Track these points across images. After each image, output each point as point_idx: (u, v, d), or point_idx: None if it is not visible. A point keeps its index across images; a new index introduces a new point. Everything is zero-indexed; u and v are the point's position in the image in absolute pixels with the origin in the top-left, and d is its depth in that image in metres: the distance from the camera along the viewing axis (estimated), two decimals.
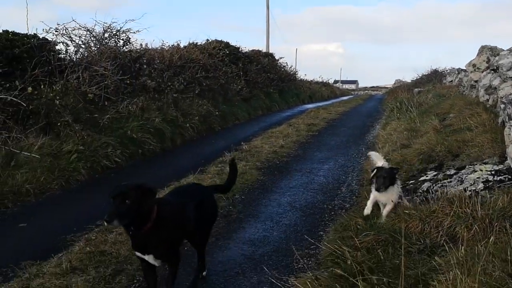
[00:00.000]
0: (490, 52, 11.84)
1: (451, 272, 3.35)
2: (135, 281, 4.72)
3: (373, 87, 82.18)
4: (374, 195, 5.60)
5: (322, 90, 42.72)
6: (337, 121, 17.42)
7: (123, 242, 5.51)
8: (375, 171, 5.63)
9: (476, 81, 12.09)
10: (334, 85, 60.61)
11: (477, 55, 12.43)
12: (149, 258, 3.74)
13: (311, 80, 43.13)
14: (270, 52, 32.57)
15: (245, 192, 7.78)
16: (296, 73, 34.17)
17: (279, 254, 5.37)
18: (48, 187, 7.84)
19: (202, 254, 4.65)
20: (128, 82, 12.10)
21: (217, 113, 15.47)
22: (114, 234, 5.77)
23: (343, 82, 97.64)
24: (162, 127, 11.76)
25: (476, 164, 6.45)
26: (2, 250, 5.52)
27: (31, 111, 9.31)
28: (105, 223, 3.47)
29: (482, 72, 11.84)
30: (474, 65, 12.20)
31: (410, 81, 42.66)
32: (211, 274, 4.89)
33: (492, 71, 9.53)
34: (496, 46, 11.99)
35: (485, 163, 6.42)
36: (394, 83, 60.41)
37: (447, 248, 4.25)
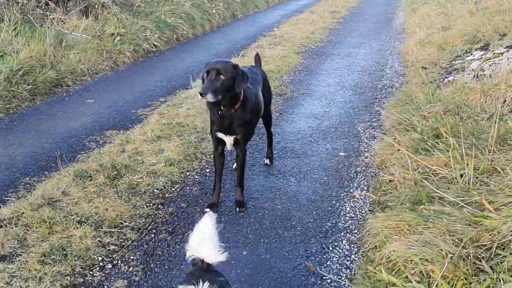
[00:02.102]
0: None
1: None
2: None
3: None
4: None
5: None
6: (358, 9, 17.20)
7: (195, 115, 5.85)
8: None
9: None
10: None
11: None
12: (229, 140, 3.81)
13: None
14: None
15: (291, 74, 8.02)
16: None
17: (344, 126, 5.74)
18: (99, 68, 8.06)
19: (271, 134, 4.80)
20: None
21: (237, 0, 15.26)
22: (183, 108, 6.09)
23: None
24: (192, 12, 11.71)
25: None
26: (83, 121, 5.86)
27: None
28: (199, 96, 3.48)
29: None
30: None
31: None
32: (287, 142, 5.28)
33: None
34: None
35: None
36: None
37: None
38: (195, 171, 4.62)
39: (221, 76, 3.49)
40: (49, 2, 8.72)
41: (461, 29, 8.24)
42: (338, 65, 8.55)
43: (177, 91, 7.01)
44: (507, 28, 7.37)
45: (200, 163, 4.76)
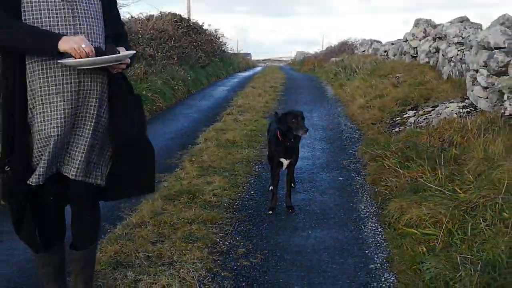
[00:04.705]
0: (426, 24, 14.76)
1: (477, 149, 5.85)
2: (250, 177, 6.88)
3: (265, 60, 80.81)
4: None
5: (241, 61, 45.08)
6: (289, 85, 19.84)
7: (217, 160, 7.54)
8: None
9: (415, 47, 15.00)
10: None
11: (414, 26, 15.36)
12: (286, 162, 5.66)
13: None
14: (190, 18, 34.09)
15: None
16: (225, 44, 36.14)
17: (332, 163, 7.71)
18: None
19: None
20: None
21: (189, 78, 17.31)
22: (205, 157, 7.76)
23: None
24: (163, 88, 13.54)
25: (446, 103, 9.14)
26: None
27: None
28: (305, 133, 5.42)
29: (420, 40, 14.77)
30: (413, 34, 15.12)
31: (313, 52, 45.58)
32: (297, 174, 7.08)
33: (438, 39, 12.35)
34: (430, 19, 14.94)
35: (452, 102, 9.12)
36: (296, 55, 61.44)
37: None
38: (243, 193, 6.32)
39: (304, 119, 5.43)
40: None
41: (394, 96, 10.74)
42: None
43: (189, 146, 8.68)
44: (429, 94, 9.92)
45: (243, 189, 6.46)
